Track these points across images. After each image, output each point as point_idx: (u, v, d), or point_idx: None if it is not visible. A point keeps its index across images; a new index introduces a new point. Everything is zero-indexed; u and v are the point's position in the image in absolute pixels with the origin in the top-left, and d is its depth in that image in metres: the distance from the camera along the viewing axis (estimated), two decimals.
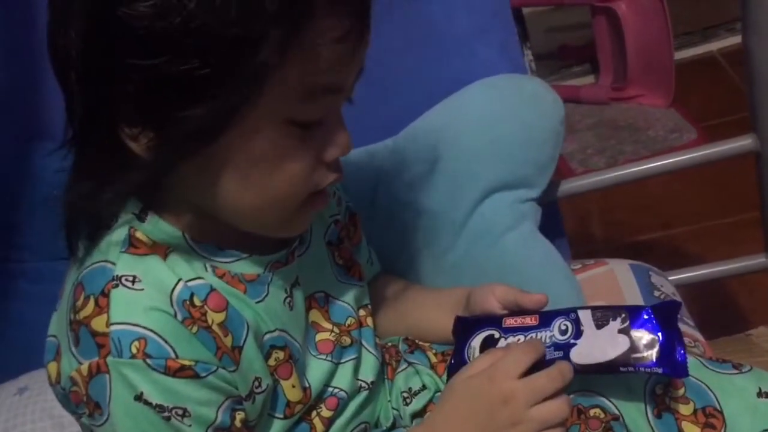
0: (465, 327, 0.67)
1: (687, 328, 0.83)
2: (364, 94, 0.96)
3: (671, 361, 0.58)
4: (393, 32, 0.92)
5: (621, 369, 0.59)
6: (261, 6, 0.46)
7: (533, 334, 0.62)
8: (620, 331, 0.60)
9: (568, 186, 1.02)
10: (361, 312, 0.71)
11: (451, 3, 0.93)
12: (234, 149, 0.51)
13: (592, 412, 0.64)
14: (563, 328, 0.62)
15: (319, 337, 0.66)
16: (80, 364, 0.52)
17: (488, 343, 0.64)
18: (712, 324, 1.26)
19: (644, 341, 0.59)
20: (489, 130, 0.88)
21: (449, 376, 0.64)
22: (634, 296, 0.85)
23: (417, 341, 0.75)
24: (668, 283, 0.91)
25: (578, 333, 0.61)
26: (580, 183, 1.03)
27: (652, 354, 0.58)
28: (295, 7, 0.47)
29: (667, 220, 1.60)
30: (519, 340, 0.63)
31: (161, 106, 0.48)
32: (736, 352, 0.93)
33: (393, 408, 0.71)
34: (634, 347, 0.59)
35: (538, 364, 0.59)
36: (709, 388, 0.65)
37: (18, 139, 0.93)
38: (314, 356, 0.65)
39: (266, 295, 0.60)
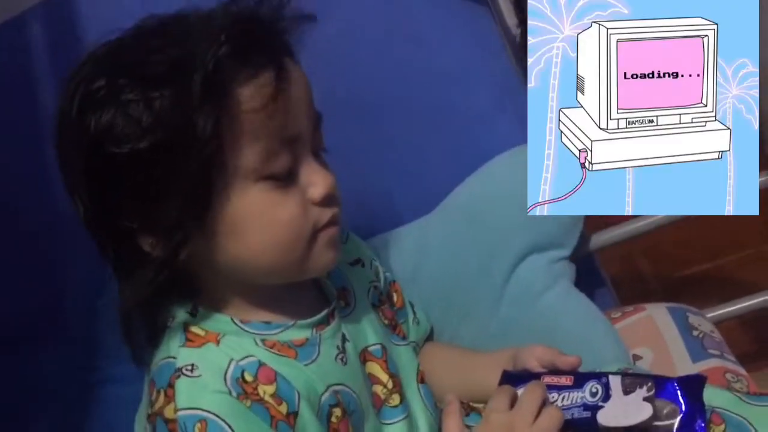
0: (509, 381, 0.72)
1: (729, 363, 0.86)
2: (396, 174, 1.04)
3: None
4: (417, 117, 1.01)
5: None
6: (189, 99, 0.55)
7: (566, 393, 0.67)
8: (645, 399, 0.63)
9: (607, 236, 1.04)
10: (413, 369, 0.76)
11: (469, 85, 1.00)
12: (225, 218, 0.59)
13: None
14: (594, 390, 0.66)
15: (374, 389, 0.71)
16: None
17: None
18: (763, 352, 1.26)
19: (666, 410, 0.62)
20: (515, 199, 0.91)
21: None
22: (673, 338, 0.88)
23: (471, 404, 0.79)
24: (706, 322, 0.94)
25: (607, 396, 0.65)
26: (620, 231, 1.04)
27: (674, 423, 0.61)
28: (215, 88, 0.55)
29: (714, 250, 1.60)
30: (554, 397, 0.68)
31: (149, 209, 0.57)
32: None
33: None
34: (656, 415, 0.62)
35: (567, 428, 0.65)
36: (749, 422, 0.68)
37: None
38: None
39: (318, 356, 0.66)
